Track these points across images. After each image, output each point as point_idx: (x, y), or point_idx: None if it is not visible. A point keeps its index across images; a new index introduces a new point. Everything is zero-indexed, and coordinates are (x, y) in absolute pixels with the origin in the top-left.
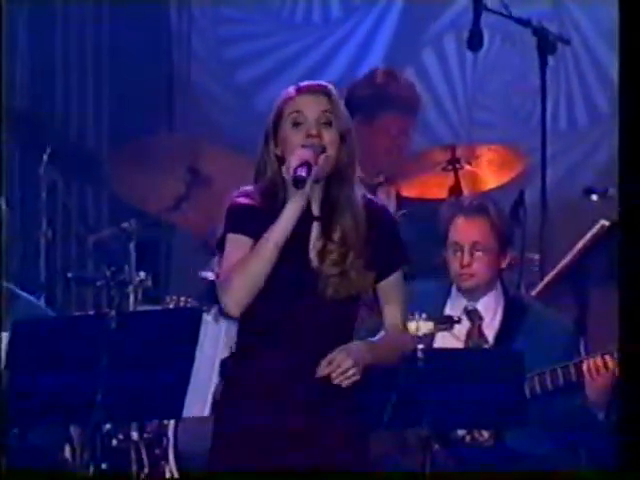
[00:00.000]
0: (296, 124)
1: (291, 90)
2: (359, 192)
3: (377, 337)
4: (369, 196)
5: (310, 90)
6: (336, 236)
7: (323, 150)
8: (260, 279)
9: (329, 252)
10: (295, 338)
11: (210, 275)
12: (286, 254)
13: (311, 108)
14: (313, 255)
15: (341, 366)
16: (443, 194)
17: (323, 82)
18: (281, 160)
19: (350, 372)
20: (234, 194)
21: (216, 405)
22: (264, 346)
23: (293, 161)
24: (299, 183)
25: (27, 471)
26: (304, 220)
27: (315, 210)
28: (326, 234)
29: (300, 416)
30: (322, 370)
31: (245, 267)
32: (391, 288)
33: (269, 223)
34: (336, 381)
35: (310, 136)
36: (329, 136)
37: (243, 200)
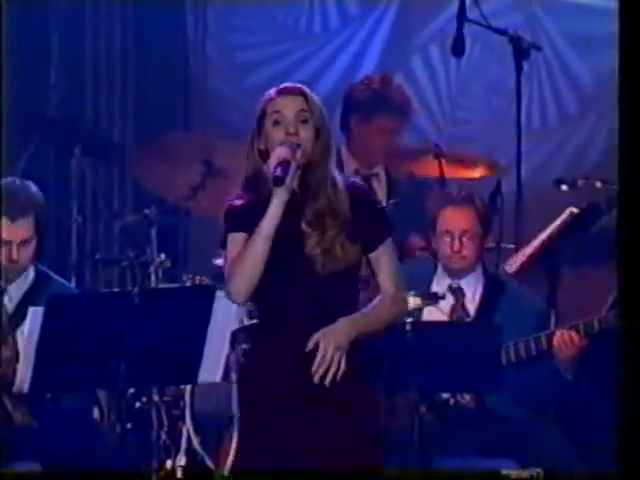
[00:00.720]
0: (276, 122)
1: (272, 92)
2: (338, 178)
3: (369, 306)
4: (352, 179)
5: (288, 91)
6: (310, 218)
7: (299, 146)
8: (256, 269)
9: (307, 234)
10: (300, 316)
11: (221, 262)
12: (280, 240)
13: (289, 108)
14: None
15: (325, 358)
16: (428, 172)
17: (299, 84)
18: (265, 155)
19: (335, 359)
20: (229, 198)
21: (241, 372)
22: (274, 326)
23: (272, 160)
24: (278, 181)
25: None
26: (290, 208)
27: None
28: (304, 218)
29: (309, 377)
30: (317, 371)
31: (242, 260)
32: (380, 258)
33: (259, 215)
34: (328, 378)
35: (288, 134)
36: (305, 133)
37: (236, 202)
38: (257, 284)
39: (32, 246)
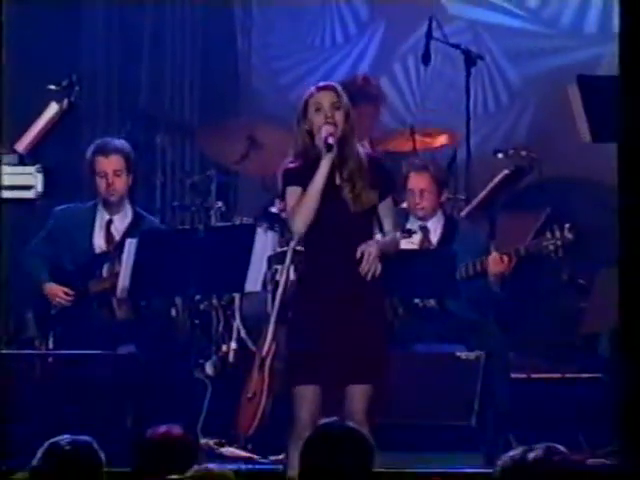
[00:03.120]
0: (317, 110)
1: (312, 89)
2: (362, 149)
3: (382, 239)
4: (369, 152)
5: (324, 88)
6: (345, 175)
7: (336, 125)
8: (312, 210)
9: (343, 186)
10: (336, 238)
11: (275, 209)
12: (324, 190)
13: (326, 99)
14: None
15: (371, 257)
16: (403, 150)
17: (331, 82)
18: (310, 134)
19: (374, 261)
20: (284, 163)
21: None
22: (316, 249)
23: (323, 133)
24: (330, 147)
25: None
26: (330, 169)
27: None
28: (340, 176)
29: (344, 280)
30: (364, 268)
31: (303, 204)
32: (386, 208)
33: (309, 176)
34: (372, 270)
35: (327, 117)
36: (339, 116)
37: (291, 165)
38: (311, 221)
39: (124, 178)
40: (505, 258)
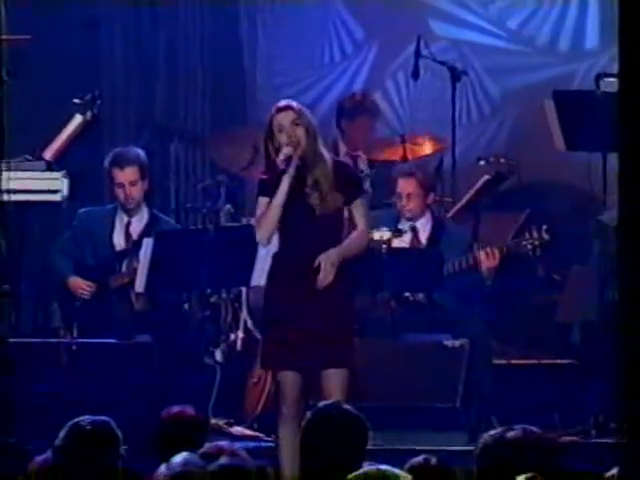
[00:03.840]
0: (280, 130)
1: (273, 110)
2: (327, 156)
3: (347, 238)
4: (336, 158)
5: (284, 109)
6: (310, 183)
7: (297, 143)
8: (274, 222)
9: (309, 193)
10: (304, 240)
11: (252, 221)
12: (292, 199)
13: (286, 119)
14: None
15: (327, 266)
16: (395, 158)
17: (289, 102)
18: (277, 150)
19: (330, 269)
20: (258, 173)
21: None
22: (287, 250)
23: (281, 156)
24: (284, 170)
25: None
26: (297, 179)
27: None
28: (306, 183)
29: (306, 286)
30: (319, 278)
31: (266, 217)
32: (356, 208)
33: (276, 186)
34: (325, 280)
35: (289, 136)
36: (300, 131)
37: (262, 176)
38: (274, 231)
39: (139, 187)
40: (496, 253)
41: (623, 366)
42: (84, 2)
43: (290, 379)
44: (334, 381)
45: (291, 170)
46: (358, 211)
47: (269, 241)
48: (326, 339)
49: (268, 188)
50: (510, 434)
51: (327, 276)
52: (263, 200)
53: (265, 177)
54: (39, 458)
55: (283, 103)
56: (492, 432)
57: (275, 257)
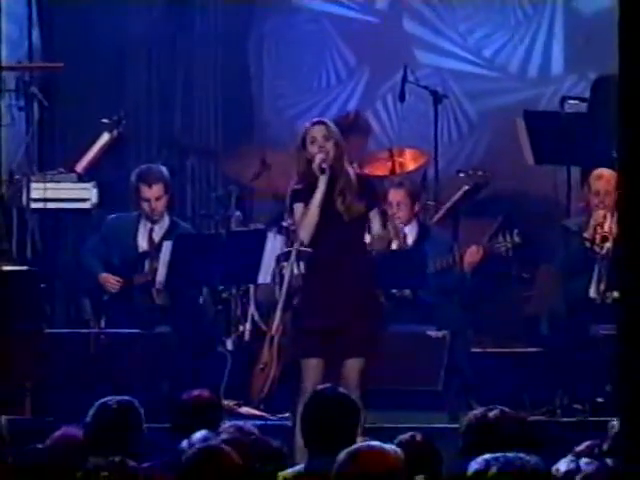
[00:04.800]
0: (312, 142)
1: (308, 124)
2: (351, 170)
3: (373, 237)
4: (358, 171)
5: (317, 123)
6: (338, 190)
7: (327, 153)
8: (313, 222)
9: (337, 198)
10: (333, 241)
11: (285, 224)
12: (324, 205)
13: (319, 133)
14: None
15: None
16: (385, 172)
17: (323, 119)
18: (308, 161)
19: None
20: (290, 185)
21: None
22: (318, 249)
23: (317, 160)
24: (323, 170)
25: None
26: (327, 188)
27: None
28: (334, 191)
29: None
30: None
31: (305, 219)
32: (374, 215)
33: (309, 194)
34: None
35: (320, 147)
36: (329, 145)
37: (295, 186)
38: (315, 231)
39: (163, 201)
40: (481, 250)
41: (624, 363)
42: (113, 35)
43: (313, 366)
44: (353, 369)
45: (326, 174)
46: (375, 217)
47: (310, 240)
48: (352, 331)
49: (302, 195)
50: (491, 413)
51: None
52: (298, 206)
53: (298, 187)
54: (63, 430)
55: (317, 119)
56: (475, 412)
57: (310, 257)
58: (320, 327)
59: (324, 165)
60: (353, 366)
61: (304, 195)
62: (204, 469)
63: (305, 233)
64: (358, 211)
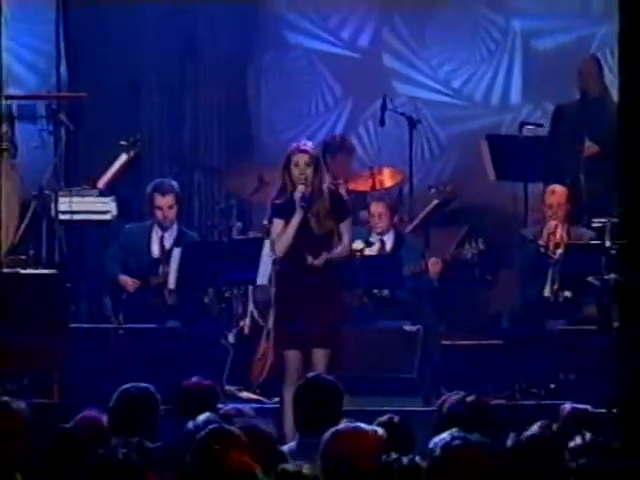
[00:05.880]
0: (296, 165)
1: (295, 148)
2: (326, 191)
3: (336, 249)
4: (332, 189)
5: (302, 150)
6: (314, 211)
7: (308, 181)
8: (289, 241)
9: (311, 219)
10: (304, 251)
11: (264, 223)
12: (300, 225)
13: (302, 159)
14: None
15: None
16: (367, 188)
17: (306, 145)
18: (289, 178)
19: (319, 263)
20: (272, 199)
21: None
22: (291, 257)
23: (298, 193)
24: (302, 206)
25: None
26: (307, 210)
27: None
28: (310, 211)
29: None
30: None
31: (282, 237)
32: (344, 227)
33: (288, 210)
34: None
35: (301, 172)
36: (309, 171)
37: (276, 200)
38: (288, 247)
39: (174, 210)
40: (440, 262)
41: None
42: (129, 67)
43: (292, 356)
44: (321, 358)
45: (304, 205)
46: (345, 228)
47: (283, 253)
48: (320, 328)
49: (282, 211)
50: (469, 399)
51: (319, 266)
52: (278, 222)
53: (278, 202)
54: (84, 412)
55: (303, 146)
56: (454, 397)
57: (281, 265)
58: (294, 325)
59: (303, 203)
60: (321, 356)
61: (283, 212)
62: (216, 448)
63: (281, 247)
64: (329, 227)
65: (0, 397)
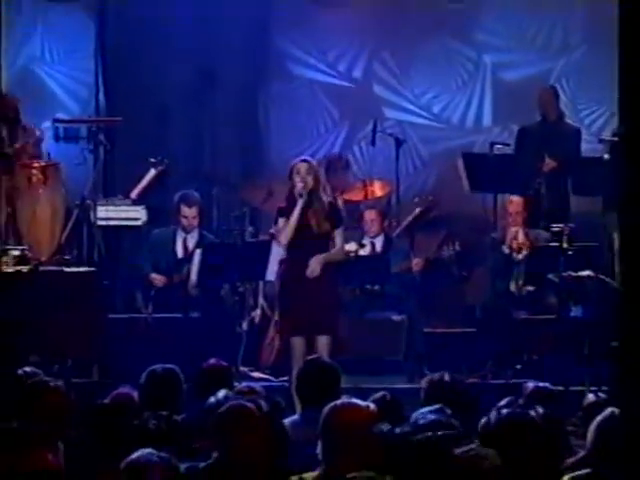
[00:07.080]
0: (297, 173)
1: (297, 160)
2: (325, 197)
3: (331, 251)
4: (330, 199)
5: (303, 161)
6: (312, 212)
7: (306, 183)
8: (291, 231)
9: (311, 217)
10: (305, 252)
11: (272, 230)
12: (300, 220)
13: (303, 168)
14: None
15: (313, 268)
16: (360, 198)
17: (306, 157)
18: (293, 186)
19: (316, 269)
20: (279, 203)
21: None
22: (293, 255)
23: (297, 188)
24: (300, 195)
25: None
26: (303, 209)
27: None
28: (309, 212)
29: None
30: (309, 274)
31: (286, 228)
32: (337, 233)
33: (291, 211)
34: (312, 273)
35: (302, 178)
36: (309, 177)
37: (281, 205)
38: (291, 239)
39: (197, 218)
40: (422, 261)
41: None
42: (157, 94)
43: (297, 342)
44: (323, 344)
45: (303, 198)
46: (338, 234)
47: (286, 245)
48: (320, 316)
49: (285, 212)
50: (446, 377)
51: (314, 270)
52: (282, 220)
53: (282, 205)
54: (118, 389)
55: (302, 157)
56: (435, 376)
57: (285, 261)
58: (297, 314)
59: (302, 192)
60: (323, 342)
61: (287, 212)
62: (235, 419)
63: (284, 238)
64: (325, 229)
65: (43, 377)
